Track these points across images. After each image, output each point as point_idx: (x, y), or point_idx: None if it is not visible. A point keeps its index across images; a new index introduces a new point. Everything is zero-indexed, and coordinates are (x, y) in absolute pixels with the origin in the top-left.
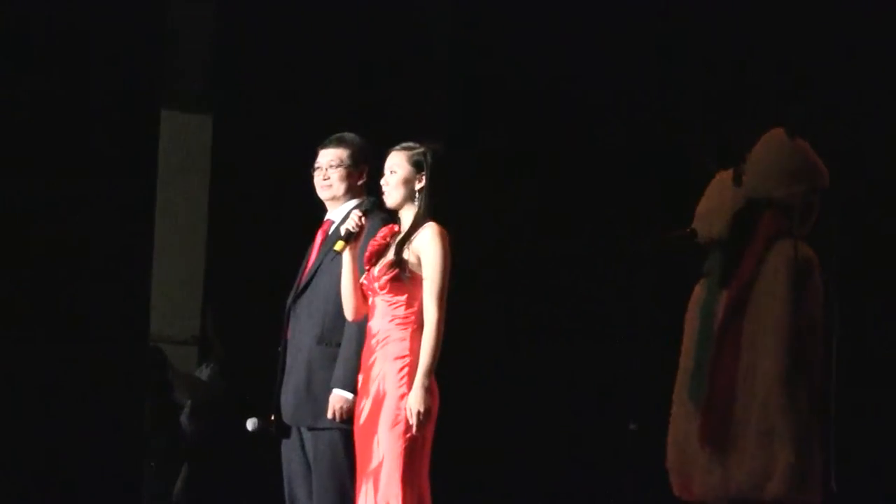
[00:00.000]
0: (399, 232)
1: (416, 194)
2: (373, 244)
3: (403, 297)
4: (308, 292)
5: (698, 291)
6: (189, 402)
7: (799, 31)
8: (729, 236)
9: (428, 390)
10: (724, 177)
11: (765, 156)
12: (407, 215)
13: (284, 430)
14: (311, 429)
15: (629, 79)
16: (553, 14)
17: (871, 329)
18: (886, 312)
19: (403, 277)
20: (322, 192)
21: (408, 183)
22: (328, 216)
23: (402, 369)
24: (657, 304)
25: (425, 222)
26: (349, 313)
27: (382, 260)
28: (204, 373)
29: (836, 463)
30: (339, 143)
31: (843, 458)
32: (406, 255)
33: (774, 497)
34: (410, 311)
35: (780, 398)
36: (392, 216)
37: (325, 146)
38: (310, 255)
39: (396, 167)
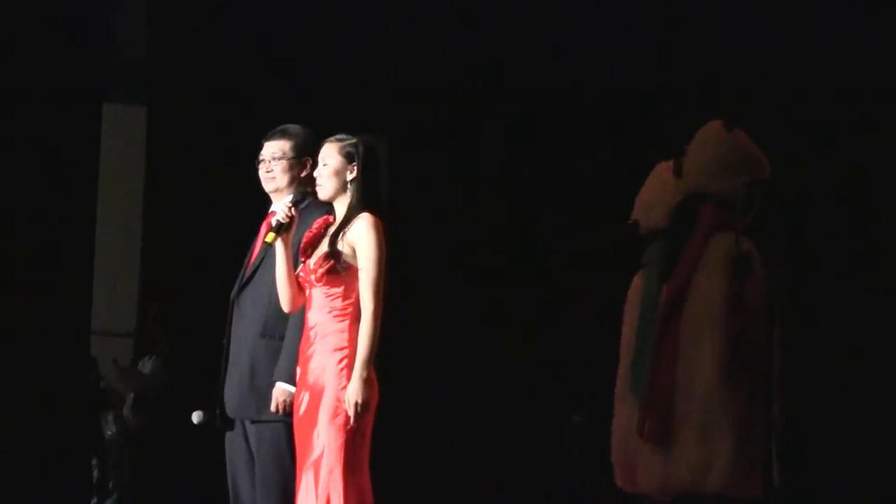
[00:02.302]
0: (333, 223)
1: (349, 185)
2: (307, 235)
3: (340, 289)
4: (252, 285)
5: (638, 282)
6: (131, 395)
7: (742, 23)
8: (669, 229)
9: (366, 381)
10: (664, 167)
11: (703, 149)
12: (341, 206)
13: (228, 423)
14: (254, 421)
15: (575, 71)
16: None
17: (818, 321)
18: (832, 304)
19: (339, 268)
20: (266, 185)
21: (339, 174)
22: (272, 208)
23: (340, 361)
24: (600, 294)
25: (359, 213)
26: (285, 305)
27: (317, 251)
28: (146, 366)
29: (779, 456)
30: (283, 135)
31: (787, 452)
32: (341, 246)
33: (715, 489)
34: (348, 302)
35: (720, 392)
36: (328, 208)
37: (268, 138)
38: (254, 247)
39: (328, 158)
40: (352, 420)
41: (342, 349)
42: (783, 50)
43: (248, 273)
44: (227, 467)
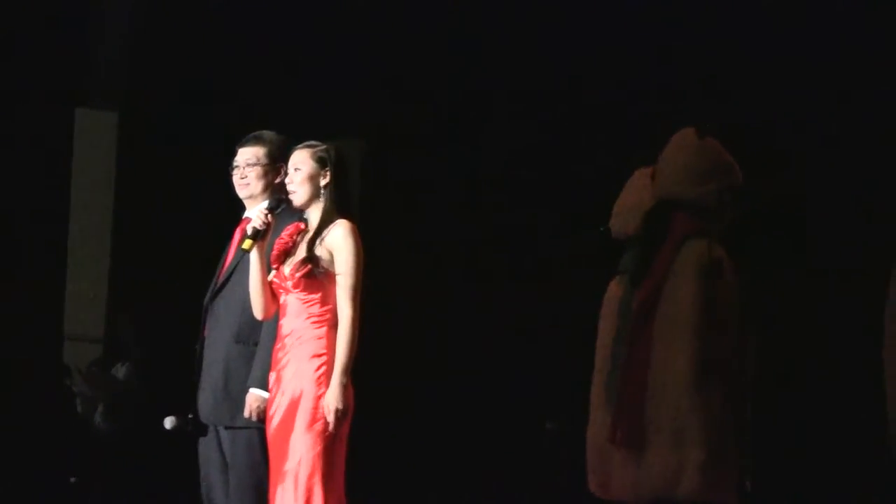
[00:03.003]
0: (307, 229)
1: (322, 191)
2: (279, 242)
3: (317, 295)
4: (226, 291)
5: (613, 288)
6: (103, 402)
7: (717, 28)
8: (643, 236)
9: (345, 388)
10: (642, 173)
11: (675, 156)
12: (314, 213)
13: (202, 429)
14: (228, 428)
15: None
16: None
17: (792, 328)
18: (806, 311)
19: (317, 273)
20: (240, 191)
21: (312, 180)
22: (246, 214)
23: (318, 367)
24: (575, 301)
25: (334, 219)
26: (258, 312)
27: (292, 258)
28: (120, 371)
29: (752, 463)
30: (257, 141)
31: (761, 459)
32: (319, 251)
33: (687, 496)
34: (325, 308)
35: (691, 398)
36: (299, 214)
37: (242, 144)
38: (227, 253)
39: (300, 164)
40: (331, 427)
41: (320, 356)
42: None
43: (221, 279)
44: (201, 473)
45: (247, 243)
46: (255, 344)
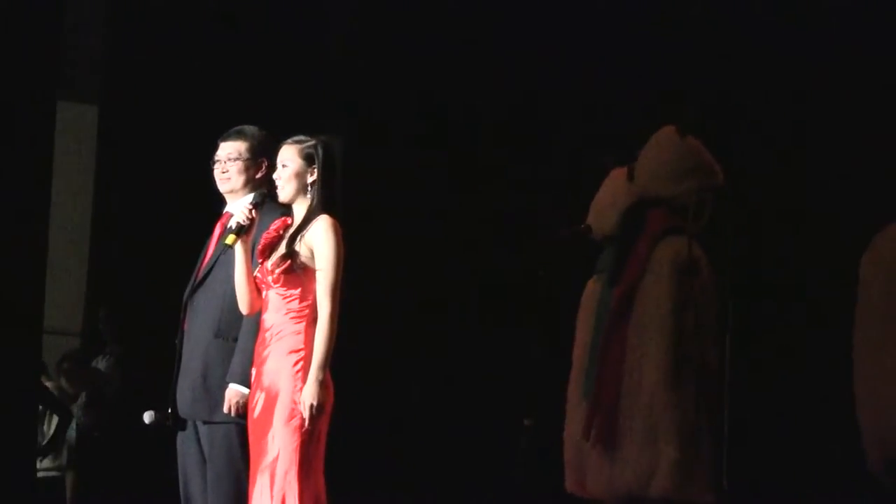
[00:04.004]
0: (292, 225)
1: (309, 187)
2: (265, 237)
3: (297, 291)
4: (205, 285)
5: (591, 287)
6: (84, 394)
7: (699, 29)
8: (619, 234)
9: (322, 384)
10: (619, 173)
11: (655, 154)
12: (300, 209)
13: (180, 423)
14: (206, 422)
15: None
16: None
17: (768, 326)
18: (782, 311)
19: (296, 269)
20: (221, 185)
21: (299, 176)
22: (227, 209)
23: (296, 363)
24: (553, 299)
25: (318, 215)
26: (243, 307)
27: (275, 253)
28: (101, 364)
29: (729, 460)
30: (238, 135)
31: (738, 456)
32: (299, 247)
33: (660, 494)
34: (305, 304)
35: (665, 396)
36: (286, 209)
37: (224, 139)
38: (207, 247)
39: (288, 161)
40: (307, 423)
41: (298, 351)
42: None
43: (201, 274)
44: (179, 468)
45: (230, 238)
46: (235, 339)
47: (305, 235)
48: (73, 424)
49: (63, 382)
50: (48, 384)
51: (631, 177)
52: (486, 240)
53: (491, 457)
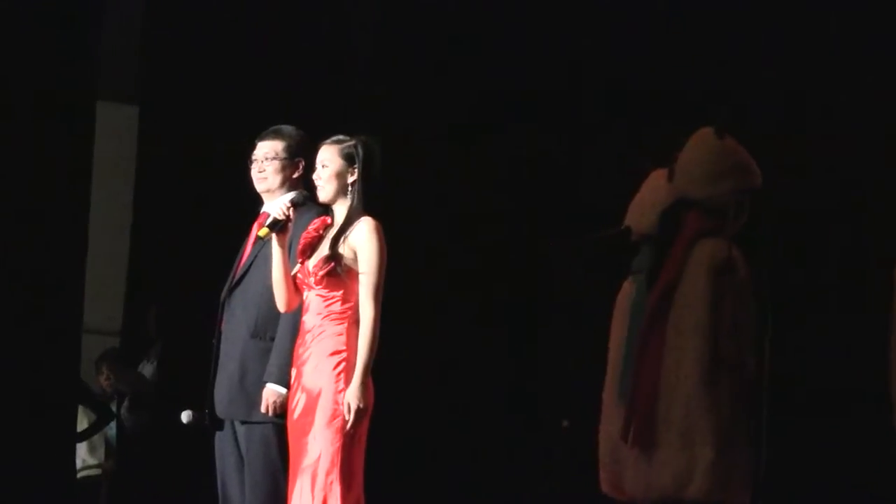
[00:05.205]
0: (332, 224)
1: (349, 188)
2: (305, 236)
3: (339, 293)
4: (242, 285)
5: (627, 288)
6: (128, 397)
7: (739, 30)
8: (657, 235)
9: (365, 387)
10: (658, 174)
11: (693, 155)
12: (340, 209)
13: (218, 424)
14: (244, 422)
15: (562, 74)
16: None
17: (806, 331)
18: (819, 314)
19: (339, 271)
20: (258, 185)
21: (340, 177)
22: (264, 209)
23: (338, 365)
24: (591, 300)
25: (360, 216)
26: (281, 305)
27: (317, 254)
28: (147, 368)
29: (768, 462)
30: (276, 135)
31: (777, 458)
32: (342, 249)
33: (697, 496)
34: (347, 306)
35: (702, 398)
36: (325, 209)
37: (261, 138)
38: (245, 247)
39: (328, 161)
40: (349, 425)
41: (339, 352)
42: (783, 55)
43: (238, 273)
44: (217, 468)
45: (263, 231)
46: (272, 339)
47: (349, 237)
48: (114, 424)
49: (103, 381)
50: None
51: (670, 178)
52: (522, 241)
53: (530, 458)
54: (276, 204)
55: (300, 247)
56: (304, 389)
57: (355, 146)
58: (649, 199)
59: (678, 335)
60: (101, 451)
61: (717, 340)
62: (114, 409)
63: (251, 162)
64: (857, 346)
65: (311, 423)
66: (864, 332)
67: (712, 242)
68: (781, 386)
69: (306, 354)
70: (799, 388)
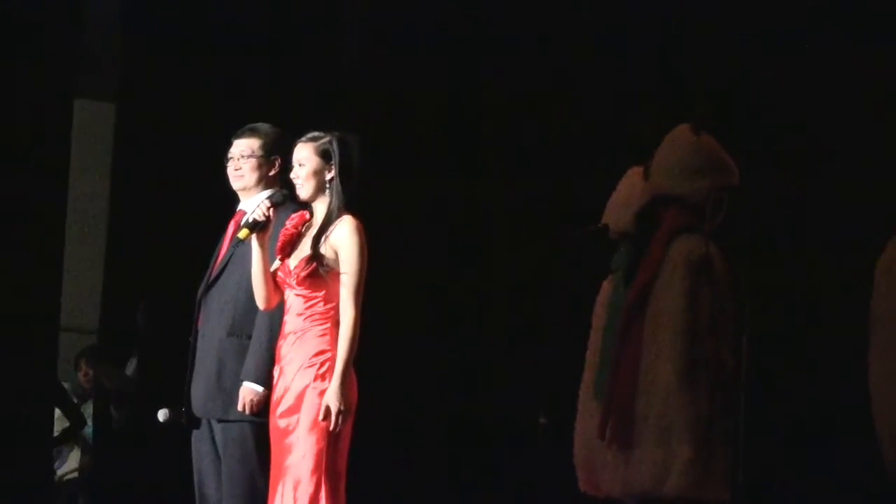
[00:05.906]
0: (311, 221)
1: (327, 185)
2: (285, 232)
3: (321, 293)
4: (219, 283)
5: (606, 287)
6: (113, 393)
7: (716, 26)
8: (634, 233)
9: (346, 386)
10: (635, 171)
11: (669, 152)
12: (320, 207)
13: (195, 422)
14: (221, 421)
15: (546, 75)
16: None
17: (783, 328)
18: (797, 311)
19: (321, 272)
20: (234, 183)
21: (317, 174)
22: (240, 206)
23: (322, 365)
24: (569, 298)
25: (340, 215)
26: (261, 302)
27: (297, 252)
28: (130, 368)
29: (745, 459)
30: (252, 133)
31: (755, 456)
32: (323, 249)
33: (675, 493)
34: (329, 306)
35: (679, 395)
36: (305, 207)
37: (237, 136)
38: (221, 245)
39: (304, 160)
40: (332, 425)
41: (323, 352)
42: (761, 52)
43: (215, 272)
44: (194, 466)
45: (243, 232)
46: (249, 337)
47: (330, 237)
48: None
49: (82, 378)
50: (64, 384)
51: (647, 175)
52: (500, 239)
53: (509, 455)
54: (254, 202)
55: (279, 244)
56: (287, 389)
57: (331, 142)
58: (626, 196)
59: (655, 332)
60: (73, 455)
61: (695, 338)
62: (90, 409)
63: (227, 160)
64: (837, 342)
65: (294, 424)
66: (844, 328)
67: (690, 239)
68: (760, 383)
69: (289, 354)
70: (777, 384)
